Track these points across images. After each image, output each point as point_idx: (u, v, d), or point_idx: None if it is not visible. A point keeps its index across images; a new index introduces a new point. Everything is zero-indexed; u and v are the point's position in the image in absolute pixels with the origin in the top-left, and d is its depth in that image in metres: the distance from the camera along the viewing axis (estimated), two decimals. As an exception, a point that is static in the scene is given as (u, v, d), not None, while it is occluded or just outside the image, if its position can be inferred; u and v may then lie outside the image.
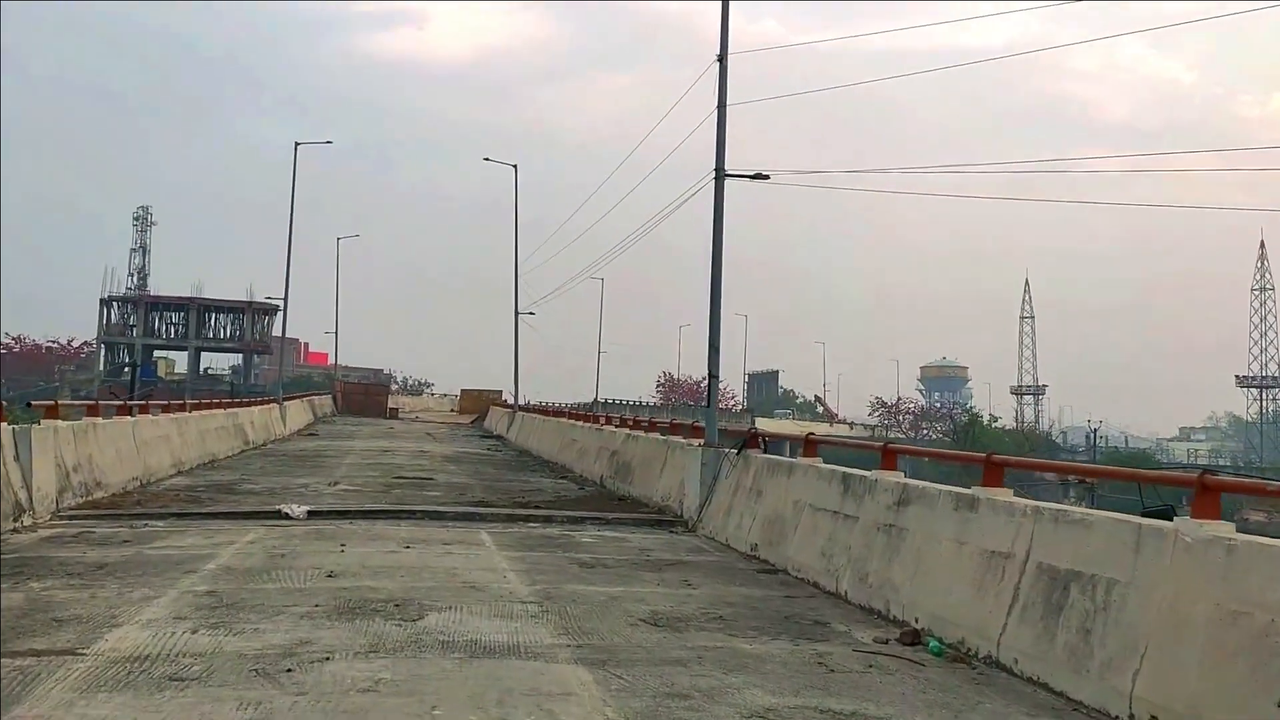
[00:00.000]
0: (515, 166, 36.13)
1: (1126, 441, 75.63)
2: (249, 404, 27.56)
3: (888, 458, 8.28)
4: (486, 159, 36.32)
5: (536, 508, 13.59)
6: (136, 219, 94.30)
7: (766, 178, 12.43)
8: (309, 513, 11.72)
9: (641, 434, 16.25)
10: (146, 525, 10.72)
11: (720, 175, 12.30)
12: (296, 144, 32.13)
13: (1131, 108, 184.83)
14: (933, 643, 6.26)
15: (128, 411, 16.85)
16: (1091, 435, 62.35)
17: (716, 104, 12.41)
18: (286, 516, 11.56)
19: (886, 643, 6.37)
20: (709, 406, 12.40)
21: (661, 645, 5.96)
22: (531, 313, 37.48)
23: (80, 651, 5.33)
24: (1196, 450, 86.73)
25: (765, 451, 10.98)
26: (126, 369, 79.20)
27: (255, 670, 4.99)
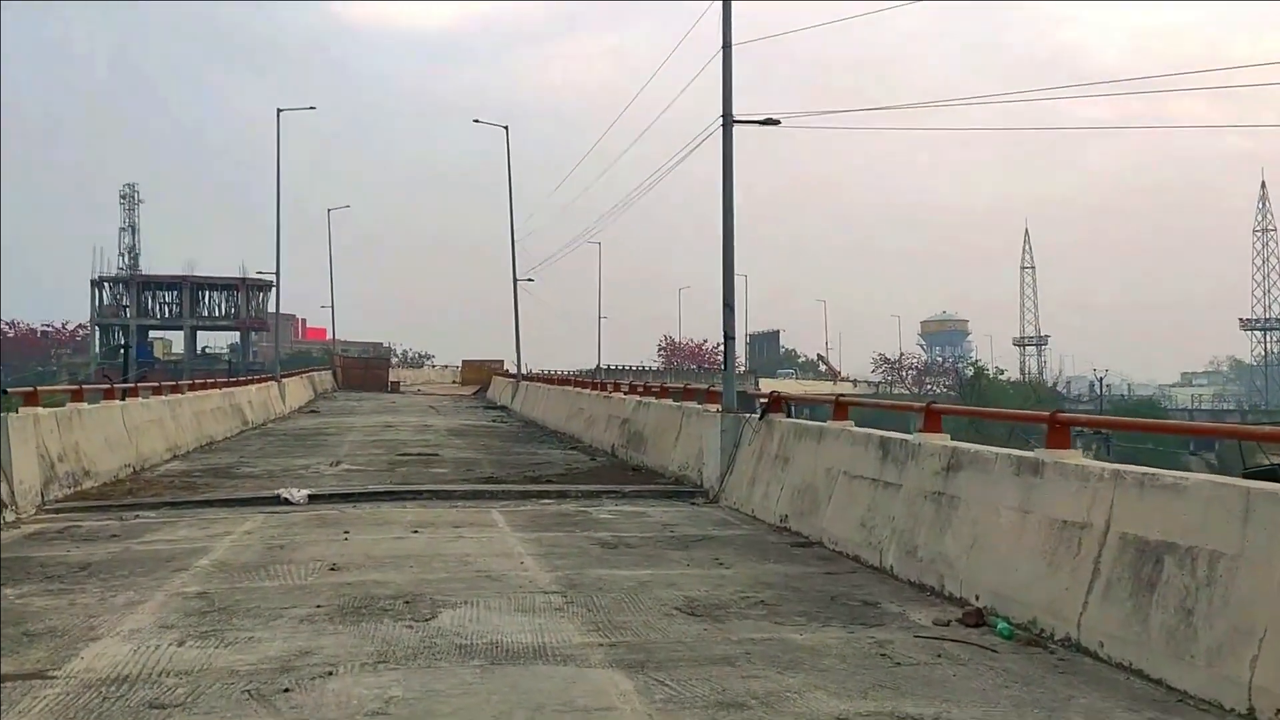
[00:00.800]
0: (506, 128, 35.10)
1: (1129, 389, 74.89)
2: (246, 383, 26.91)
3: (931, 419, 7.59)
4: (476, 120, 35.23)
5: (549, 482, 12.98)
6: (124, 197, 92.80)
7: (777, 123, 11.62)
8: (310, 497, 11.10)
9: (653, 401, 15.60)
10: (137, 517, 10.11)
11: (728, 121, 11.49)
12: (279, 110, 31.18)
13: (1125, 51, 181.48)
14: (1001, 624, 5.65)
15: (116, 395, 16.21)
16: (1098, 384, 61.62)
17: (721, 44, 11.56)
18: (286, 502, 10.95)
19: (948, 624, 5.76)
20: (726, 370, 11.73)
21: (703, 640, 5.35)
22: (530, 279, 36.71)
23: (50, 674, 4.71)
24: (1200, 395, 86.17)
25: (791, 414, 10.33)
26: (123, 351, 78.66)
27: (248, 692, 4.37)
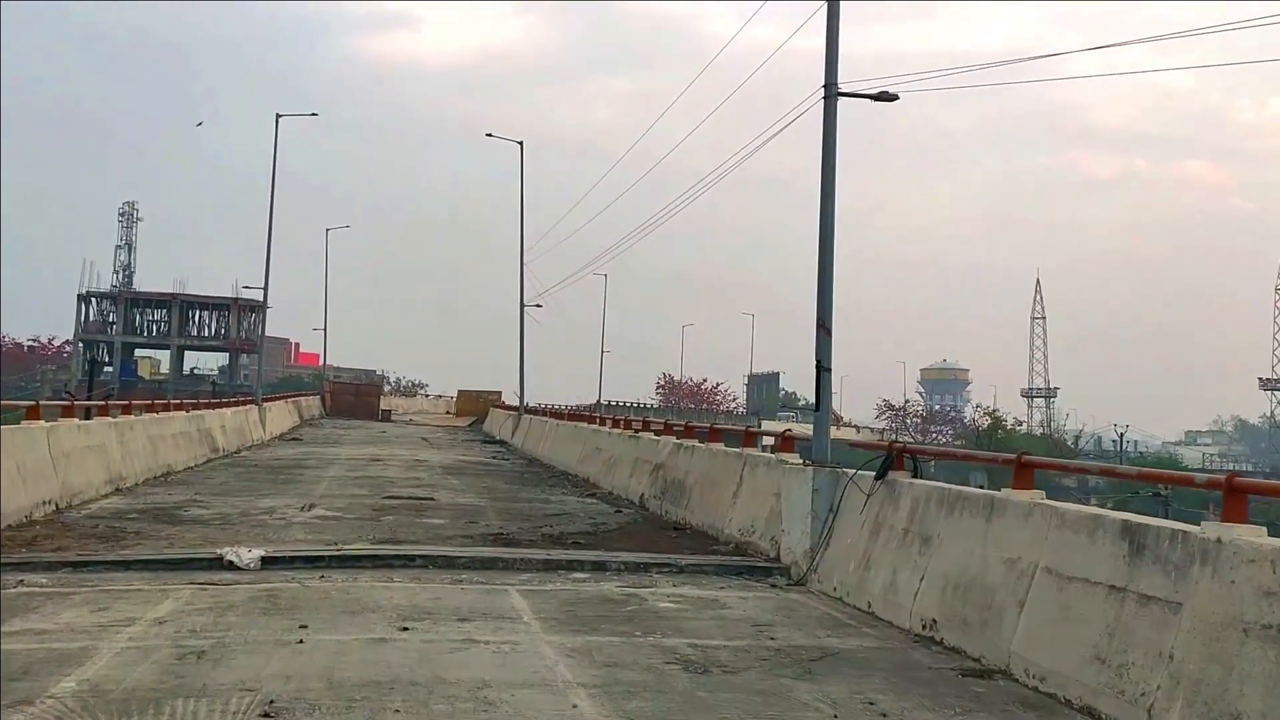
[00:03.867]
0: (521, 144, 32.62)
1: (1135, 446, 72.27)
2: (221, 405, 23.98)
3: (1022, 475, 4.88)
4: (490, 135, 32.78)
5: (575, 544, 10.15)
6: (122, 215, 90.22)
7: (893, 98, 9.03)
8: (264, 559, 8.23)
9: (697, 445, 12.80)
10: (20, 583, 7.25)
11: (831, 94, 8.90)
12: (278, 115, 28.61)
13: (1130, 112, 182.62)
14: None
15: (76, 414, 13.41)
16: (1119, 441, 58.95)
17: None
18: (232, 565, 8.08)
19: None
20: (819, 410, 8.96)
21: None
22: (539, 305, 33.97)
23: None
24: (1209, 455, 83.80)
25: (917, 474, 7.56)
26: (108, 368, 75.34)
27: None
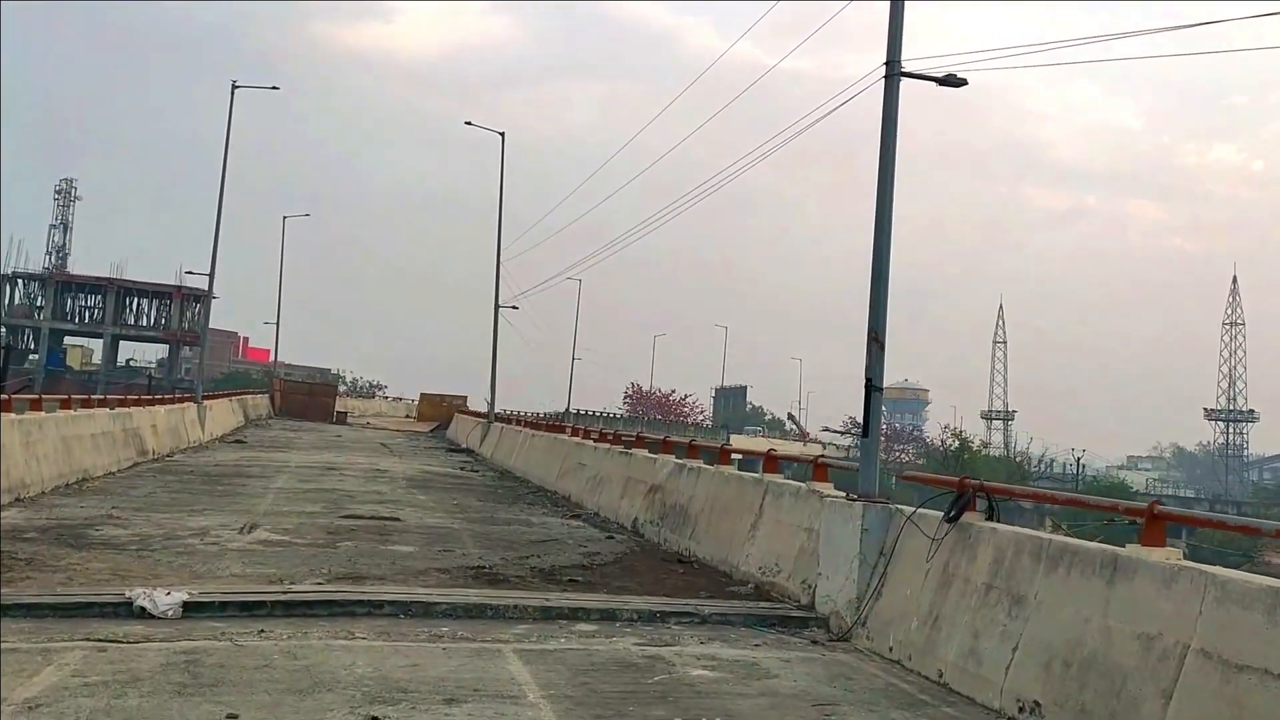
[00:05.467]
0: (502, 134, 31.38)
1: (1080, 469, 73.09)
2: (151, 402, 22.45)
3: (1153, 530, 4.14)
4: (469, 123, 31.44)
5: (572, 581, 9.02)
6: (59, 192, 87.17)
7: (961, 82, 8.03)
8: (186, 604, 6.98)
9: (704, 466, 11.71)
10: None
11: (893, 73, 7.89)
12: (234, 84, 27.08)
13: (1081, 150, 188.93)
14: None
15: None
16: (1077, 465, 59.52)
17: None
18: (143, 612, 6.82)
19: None
20: (867, 436, 7.89)
21: None
22: (515, 306, 32.67)
23: None
24: (1151, 479, 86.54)
25: (993, 516, 6.53)
26: (34, 355, 72.50)
27: None
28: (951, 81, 8.08)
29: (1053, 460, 70.28)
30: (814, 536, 8.32)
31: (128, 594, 7.01)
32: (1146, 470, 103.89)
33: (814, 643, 7.25)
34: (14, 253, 73.42)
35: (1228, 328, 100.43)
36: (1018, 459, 65.48)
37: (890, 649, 6.76)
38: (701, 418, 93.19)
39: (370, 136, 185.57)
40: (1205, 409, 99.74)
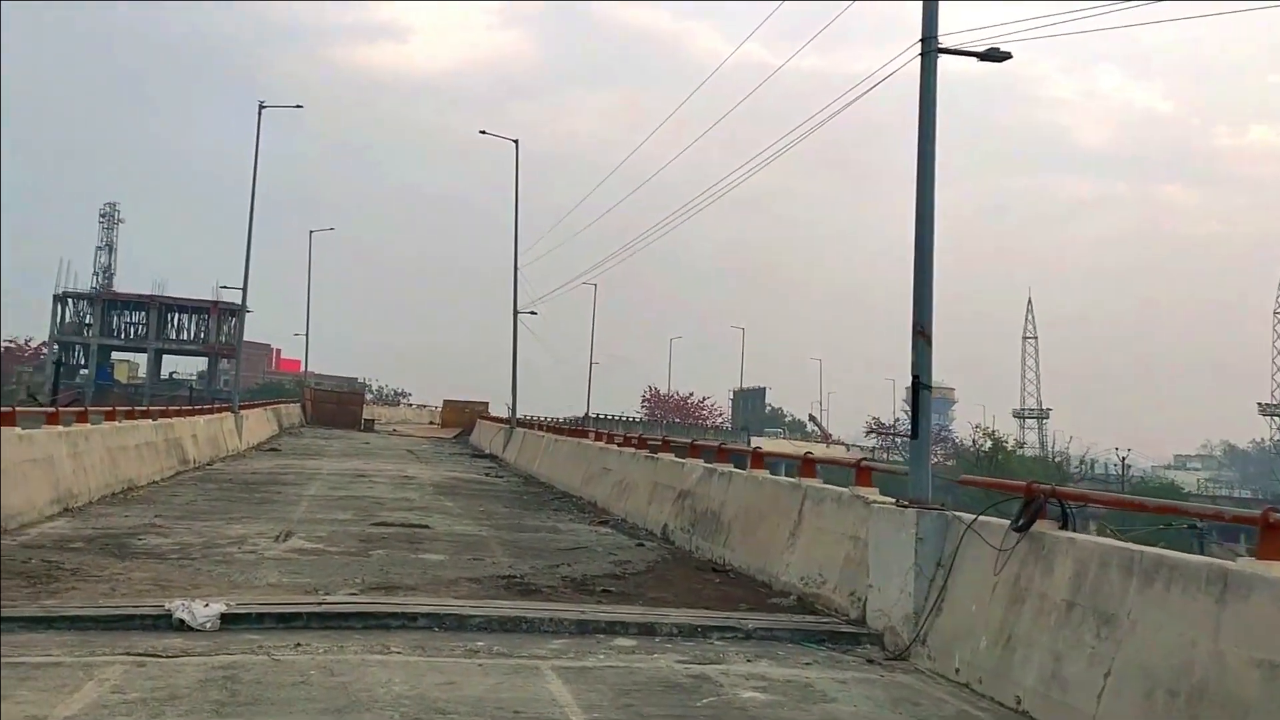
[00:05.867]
0: (516, 142, 30.86)
1: (1124, 469, 70.68)
2: (192, 413, 21.90)
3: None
4: (483, 132, 30.97)
5: (606, 591, 8.33)
6: (104, 215, 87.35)
7: (1005, 56, 7.33)
8: (224, 615, 6.34)
9: (736, 471, 11.02)
10: (-107, 654, 5.31)
11: (930, 49, 7.23)
12: (261, 105, 26.67)
13: (1109, 135, 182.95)
14: None
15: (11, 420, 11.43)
16: (1122, 465, 57.16)
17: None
18: (182, 625, 6.19)
19: None
20: (917, 436, 7.19)
21: None
22: (534, 312, 32.07)
23: None
24: (1201, 479, 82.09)
25: (1067, 525, 5.82)
26: (84, 370, 72.24)
27: None
28: (993, 56, 7.38)
29: (1094, 461, 66.10)
30: (861, 545, 7.61)
31: (167, 606, 6.39)
32: (1196, 470, 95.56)
33: (869, 661, 6.53)
34: (64, 274, 73.05)
35: (1279, 317, 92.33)
36: (1056, 459, 61.65)
37: (956, 670, 6.03)
38: (720, 420, 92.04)
39: (390, 151, 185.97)
40: (1259, 404, 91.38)
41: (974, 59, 7.36)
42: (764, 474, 10.30)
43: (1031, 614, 5.61)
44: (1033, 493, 5.93)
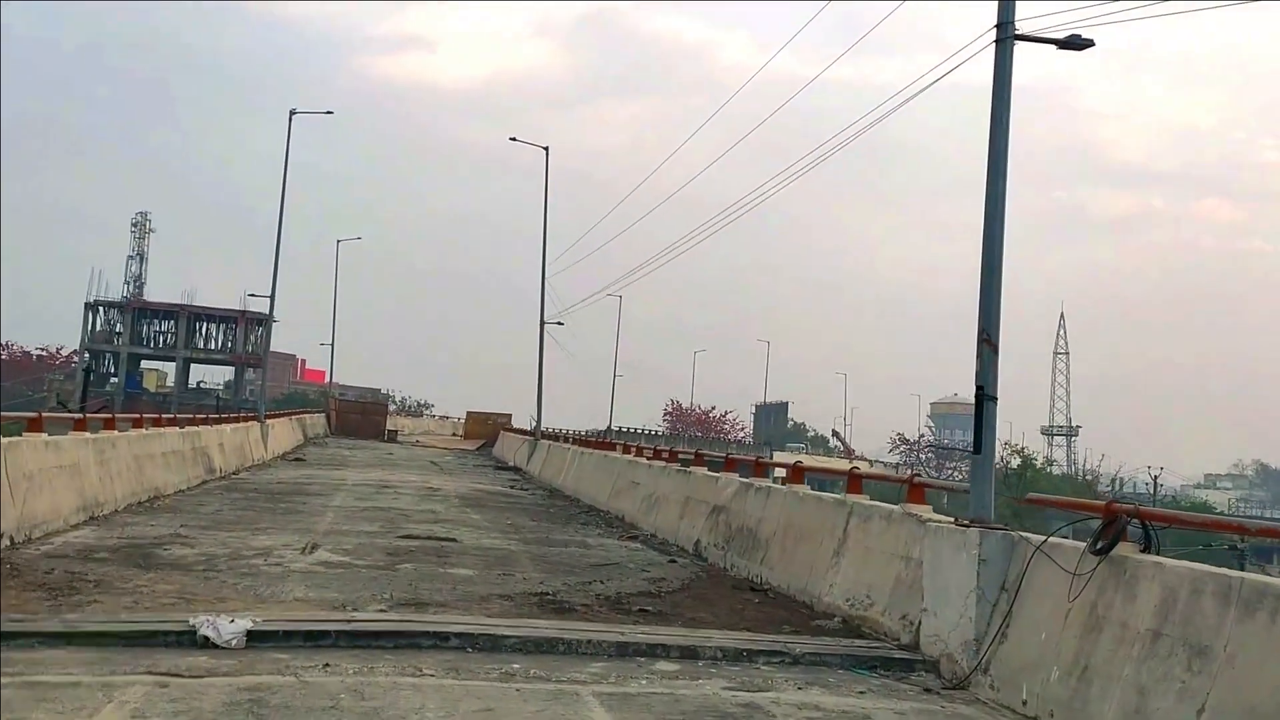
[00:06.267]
0: (546, 149, 30.72)
1: (1156, 488, 68.94)
2: (219, 421, 21.85)
3: None
4: (513, 139, 30.90)
5: (642, 611, 7.99)
6: (135, 225, 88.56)
7: (1086, 44, 6.95)
8: (250, 632, 6.07)
9: (774, 486, 10.65)
10: (-92, 669, 5.09)
11: (1006, 35, 6.88)
12: (292, 111, 26.77)
13: (1149, 150, 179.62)
14: None
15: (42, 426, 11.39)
16: (1153, 483, 55.68)
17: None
18: (207, 642, 5.93)
19: None
20: (979, 450, 6.79)
21: None
22: (560, 322, 31.84)
23: None
24: (1234, 499, 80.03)
25: (1150, 548, 5.40)
26: (114, 379, 73.07)
27: None
28: (1074, 44, 7.00)
29: (1124, 479, 64.32)
30: (913, 566, 7.23)
31: (191, 622, 6.13)
32: (1227, 489, 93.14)
33: (926, 690, 6.13)
34: (95, 282, 74.10)
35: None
36: (1087, 477, 59.97)
37: (1024, 702, 5.63)
38: (742, 435, 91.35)
39: (417, 161, 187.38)
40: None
41: (1052, 46, 6.99)
42: (804, 489, 9.93)
43: (1111, 644, 5.20)
44: (1113, 513, 5.53)
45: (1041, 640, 5.72)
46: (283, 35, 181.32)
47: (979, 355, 6.75)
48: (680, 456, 14.52)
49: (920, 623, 6.86)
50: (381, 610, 7.29)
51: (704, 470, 13.10)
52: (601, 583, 9.41)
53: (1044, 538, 6.04)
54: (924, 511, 7.52)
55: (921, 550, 7.07)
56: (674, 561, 11.32)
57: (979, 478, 6.74)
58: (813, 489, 10.75)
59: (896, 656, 6.70)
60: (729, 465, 12.32)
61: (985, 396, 6.69)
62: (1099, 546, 5.46)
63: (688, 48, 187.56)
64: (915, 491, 7.81)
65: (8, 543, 9.10)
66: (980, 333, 6.76)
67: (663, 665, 6.26)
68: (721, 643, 6.69)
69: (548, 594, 8.55)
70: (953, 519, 6.83)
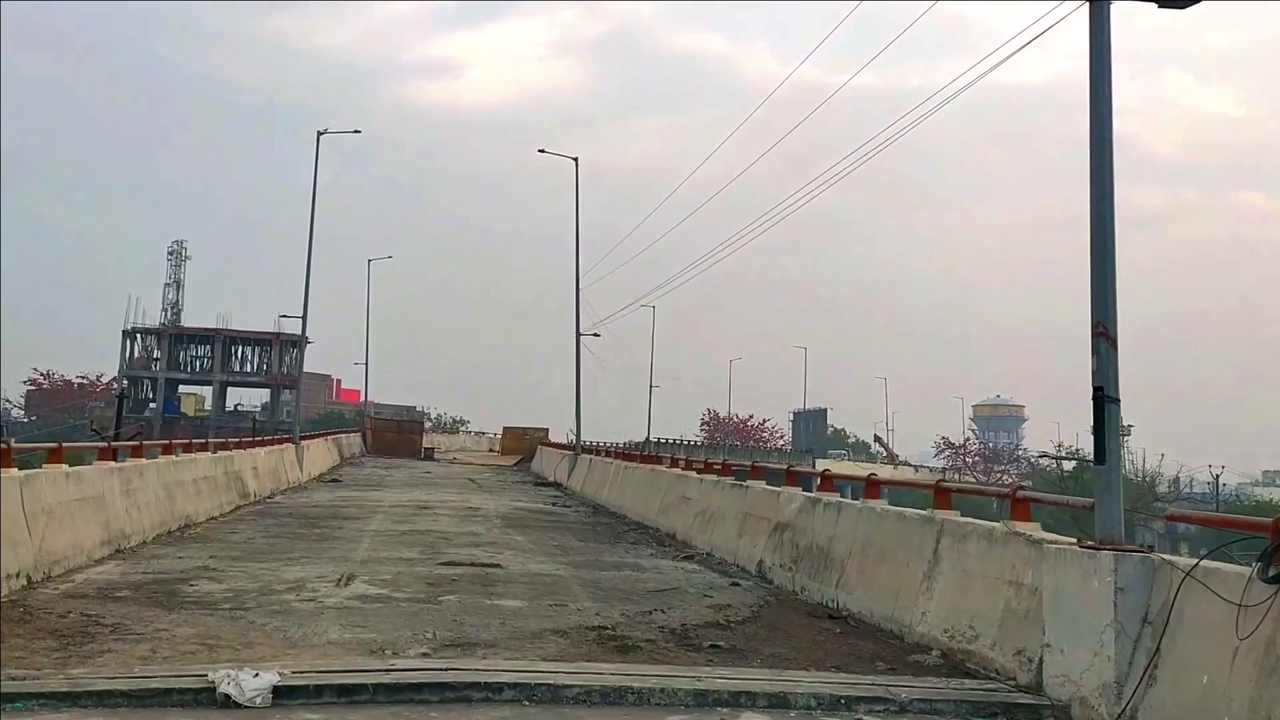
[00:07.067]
0: (576, 160, 30.19)
1: (1218, 487, 66.13)
2: (252, 444, 21.45)
3: None
4: (542, 150, 30.43)
5: (714, 646, 7.17)
6: (171, 253, 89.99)
7: (1190, 1, 6.10)
8: (276, 689, 5.36)
9: (845, 501, 9.78)
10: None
11: None
12: (320, 132, 26.53)
13: (1177, 144, 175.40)
14: None
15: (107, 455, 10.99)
16: (1215, 483, 53.43)
17: None
18: (227, 700, 5.24)
19: None
20: (1102, 461, 5.88)
21: None
22: (596, 334, 31.17)
23: None
24: (1301, 497, 76.69)
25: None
26: (153, 404, 74.00)
27: None
28: (1174, 1, 6.15)
29: (1183, 480, 60.90)
30: (1026, 593, 6.34)
31: (211, 677, 5.45)
32: None
33: (1061, 741, 5.24)
34: (133, 310, 75.25)
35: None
36: (1148, 479, 57.65)
37: (1188, 760, 4.72)
38: (781, 442, 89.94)
39: (446, 181, 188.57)
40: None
41: (1152, 4, 6.13)
42: (882, 504, 9.03)
43: (1306, 693, 4.28)
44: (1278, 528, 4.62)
45: (1204, 685, 4.81)
46: (310, 63, 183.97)
47: (1095, 351, 5.87)
48: (733, 469, 13.68)
49: (1042, 659, 5.95)
50: (424, 654, 6.57)
51: (762, 484, 12.25)
52: (662, 612, 8.62)
53: (1194, 561, 5.13)
54: (1032, 530, 6.63)
55: (1036, 575, 6.18)
56: (736, 584, 10.49)
57: (1106, 491, 5.84)
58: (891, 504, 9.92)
59: (1020, 701, 5.81)
60: (790, 479, 11.44)
61: (1106, 398, 5.79)
62: (1272, 574, 4.55)
63: (709, 61, 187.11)
64: (1020, 507, 6.90)
65: (24, 583, 8.56)
66: (1095, 325, 5.87)
67: (749, 717, 5.45)
68: (814, 687, 5.85)
69: (606, 628, 7.77)
70: (1075, 540, 5.93)
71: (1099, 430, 5.86)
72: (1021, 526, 6.75)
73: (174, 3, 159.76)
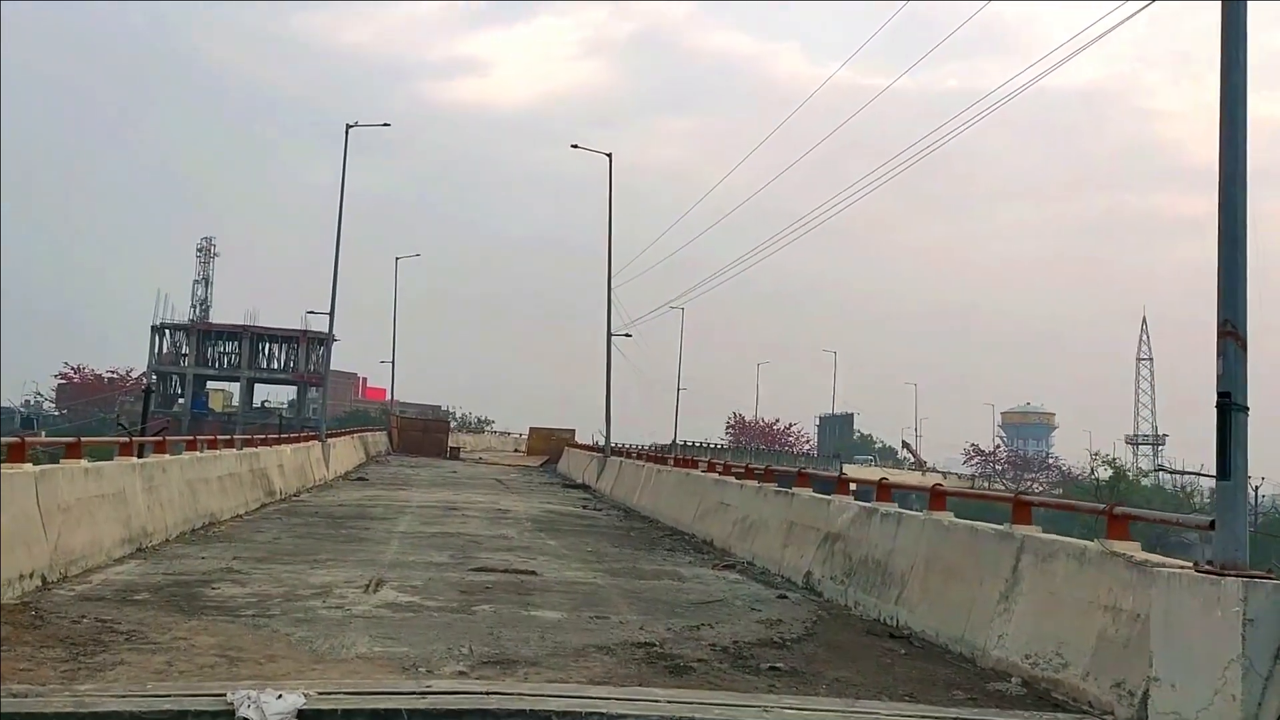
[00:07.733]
0: (610, 155, 29.68)
1: (1258, 500, 64.23)
2: (278, 441, 21.18)
3: None
4: (575, 146, 29.93)
5: (773, 669, 6.61)
6: (200, 250, 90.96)
7: None
8: (300, 713, 4.88)
9: (905, 512, 9.16)
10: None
11: None
12: (348, 125, 26.28)
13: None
14: None
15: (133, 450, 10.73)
16: (1255, 495, 51.98)
17: None
18: (247, 724, 4.76)
19: None
20: (1226, 476, 5.23)
21: None
22: (628, 334, 30.63)
23: None
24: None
25: None
26: (181, 399, 74.70)
27: None
28: None
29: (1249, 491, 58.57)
30: (1127, 620, 5.71)
31: (230, 699, 4.97)
32: None
33: (1185, 792, 4.61)
34: (161, 306, 76.01)
35: None
36: (1187, 490, 56.10)
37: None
38: (808, 447, 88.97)
39: (474, 181, 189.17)
40: None
41: None
42: (949, 517, 8.41)
43: None
44: None
45: (1364, 736, 4.17)
46: (339, 63, 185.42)
47: (1221, 353, 5.23)
48: (774, 473, 13.08)
49: (1149, 694, 5.33)
50: (461, 673, 6.08)
51: (809, 492, 11.66)
52: (710, 627, 8.07)
53: (1349, 591, 4.49)
54: (1132, 549, 5.99)
55: (1139, 600, 5.56)
56: (784, 597, 9.91)
57: (1229, 510, 5.20)
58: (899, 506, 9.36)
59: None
60: (841, 487, 10.83)
61: (1233, 406, 5.15)
62: None
63: (740, 61, 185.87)
64: (1117, 525, 6.26)
65: (39, 583, 8.20)
66: (1222, 324, 5.24)
67: (822, 755, 4.88)
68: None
69: (653, 644, 7.24)
70: (1191, 564, 5.30)
71: (1223, 442, 5.22)
72: (1120, 546, 6.12)
73: (204, 2, 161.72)
